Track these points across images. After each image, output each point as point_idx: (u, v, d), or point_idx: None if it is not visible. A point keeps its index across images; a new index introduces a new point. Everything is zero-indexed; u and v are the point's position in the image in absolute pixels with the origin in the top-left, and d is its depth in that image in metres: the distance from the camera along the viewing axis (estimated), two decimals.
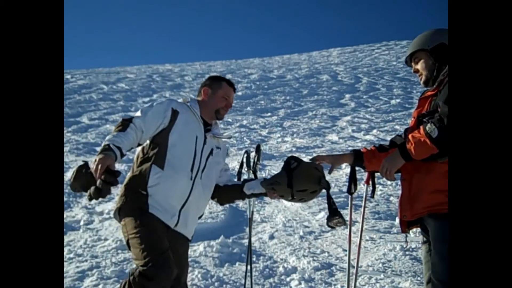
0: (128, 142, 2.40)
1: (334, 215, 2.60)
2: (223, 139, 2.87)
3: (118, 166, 8.46)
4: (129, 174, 2.63)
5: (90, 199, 2.27)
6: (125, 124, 2.45)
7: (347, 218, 2.96)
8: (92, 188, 2.23)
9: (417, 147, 2.23)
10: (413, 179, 2.36)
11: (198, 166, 2.60)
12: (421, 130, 2.23)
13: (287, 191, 2.61)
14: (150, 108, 2.57)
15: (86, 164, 2.33)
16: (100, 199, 2.28)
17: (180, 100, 2.76)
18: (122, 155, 2.36)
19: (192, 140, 2.61)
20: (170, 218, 2.52)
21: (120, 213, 2.56)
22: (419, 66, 2.52)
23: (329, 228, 5.55)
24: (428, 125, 2.21)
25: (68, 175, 8.21)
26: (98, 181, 2.21)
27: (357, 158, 2.72)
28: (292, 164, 2.60)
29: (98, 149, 2.36)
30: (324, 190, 2.68)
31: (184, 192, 2.56)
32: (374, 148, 2.73)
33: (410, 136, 2.29)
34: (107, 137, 2.39)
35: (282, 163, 2.71)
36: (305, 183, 2.60)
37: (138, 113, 2.54)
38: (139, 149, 2.64)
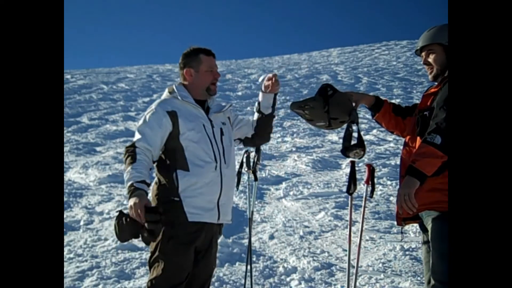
0: (145, 169, 2.38)
1: (360, 146, 2.60)
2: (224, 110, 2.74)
3: (118, 166, 8.40)
4: (155, 184, 2.56)
5: (147, 243, 2.37)
6: (131, 152, 2.40)
7: (347, 218, 2.95)
8: (144, 233, 2.29)
9: (426, 160, 2.19)
10: None
11: (218, 153, 2.54)
12: (423, 145, 2.22)
13: (322, 116, 2.62)
14: (146, 124, 2.48)
15: (121, 213, 2.32)
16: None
17: (165, 95, 2.65)
18: (148, 185, 2.38)
19: (202, 130, 2.52)
20: (211, 215, 2.52)
21: None
22: (431, 59, 2.45)
23: (329, 228, 5.61)
24: (427, 136, 2.20)
25: (68, 175, 8.26)
26: (146, 225, 2.25)
27: (376, 104, 2.71)
28: (328, 91, 2.60)
29: (124, 190, 2.39)
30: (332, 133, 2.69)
31: (217, 184, 2.52)
32: (391, 106, 2.71)
33: (414, 155, 2.25)
34: (126, 176, 2.35)
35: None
36: (339, 112, 2.61)
37: (137, 135, 2.47)
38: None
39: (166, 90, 2.66)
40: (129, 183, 2.31)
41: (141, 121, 2.52)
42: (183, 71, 2.63)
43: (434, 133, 2.18)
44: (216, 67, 2.66)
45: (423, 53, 2.51)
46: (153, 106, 2.56)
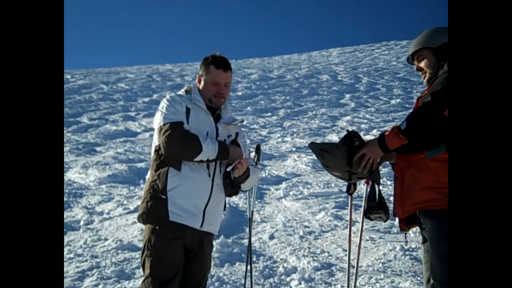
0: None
1: (381, 208, 2.54)
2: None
3: (118, 166, 8.40)
4: (148, 179, 2.56)
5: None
6: (181, 129, 2.43)
7: (347, 218, 2.94)
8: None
9: (392, 136, 2.32)
10: (405, 177, 2.37)
11: (214, 163, 2.53)
12: (396, 125, 2.37)
13: (341, 168, 2.48)
14: (171, 104, 2.50)
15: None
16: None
17: (182, 91, 2.67)
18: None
19: (204, 136, 2.52)
20: (194, 220, 2.48)
21: (143, 219, 2.54)
22: (423, 64, 2.47)
23: (329, 228, 5.61)
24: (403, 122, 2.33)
25: (68, 175, 8.27)
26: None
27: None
28: (355, 142, 2.45)
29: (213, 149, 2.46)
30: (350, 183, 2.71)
31: (206, 191, 2.50)
32: None
33: (390, 128, 2.38)
34: (211, 146, 2.45)
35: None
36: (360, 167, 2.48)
37: (170, 116, 2.46)
38: (153, 152, 2.57)
39: (185, 87, 2.71)
40: (219, 147, 2.49)
41: (165, 106, 2.51)
42: (197, 75, 2.69)
43: (405, 120, 2.31)
44: (225, 80, 2.61)
45: (414, 61, 2.54)
46: (169, 95, 2.59)
